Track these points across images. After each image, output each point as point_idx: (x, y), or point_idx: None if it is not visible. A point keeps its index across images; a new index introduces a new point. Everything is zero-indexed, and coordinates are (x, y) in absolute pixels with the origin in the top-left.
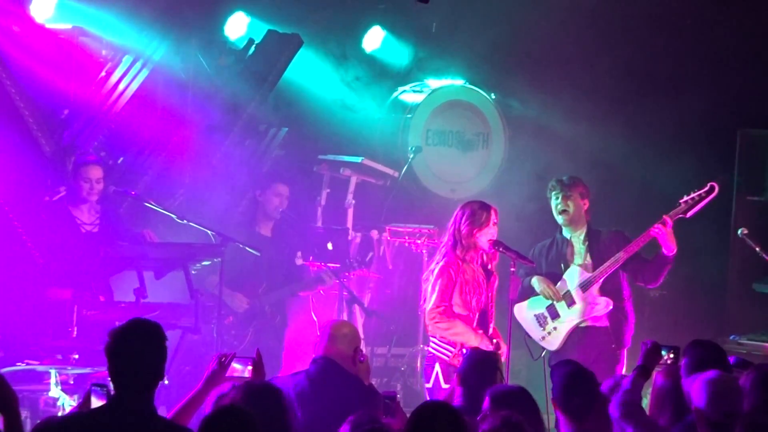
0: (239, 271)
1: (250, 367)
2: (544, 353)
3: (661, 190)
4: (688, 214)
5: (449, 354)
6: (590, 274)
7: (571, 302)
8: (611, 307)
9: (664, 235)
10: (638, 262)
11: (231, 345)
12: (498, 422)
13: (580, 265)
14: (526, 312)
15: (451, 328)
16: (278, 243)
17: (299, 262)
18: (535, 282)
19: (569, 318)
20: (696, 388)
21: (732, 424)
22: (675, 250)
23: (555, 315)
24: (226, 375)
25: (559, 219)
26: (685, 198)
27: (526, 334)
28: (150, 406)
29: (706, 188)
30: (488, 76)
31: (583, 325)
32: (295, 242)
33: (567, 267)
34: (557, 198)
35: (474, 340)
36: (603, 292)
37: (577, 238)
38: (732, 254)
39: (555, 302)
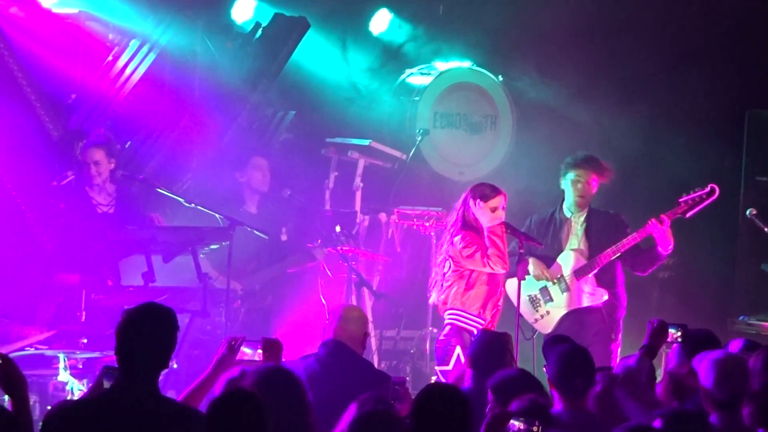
0: (226, 252)
1: (260, 351)
2: (535, 334)
3: (670, 171)
4: (688, 215)
5: (479, 326)
6: (585, 262)
7: (565, 288)
8: (606, 298)
9: (662, 234)
10: (632, 252)
11: (223, 327)
12: (526, 406)
13: (574, 250)
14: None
15: (500, 250)
16: (264, 220)
17: (284, 238)
18: (531, 265)
19: (563, 303)
20: (703, 368)
21: (739, 404)
22: (671, 248)
23: (548, 298)
24: (236, 359)
25: (572, 197)
26: (685, 197)
27: (518, 315)
28: (157, 389)
29: (707, 190)
30: (495, 58)
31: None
32: (280, 218)
33: (561, 250)
34: (578, 177)
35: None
36: (599, 281)
37: (577, 219)
38: (740, 235)
39: (549, 285)
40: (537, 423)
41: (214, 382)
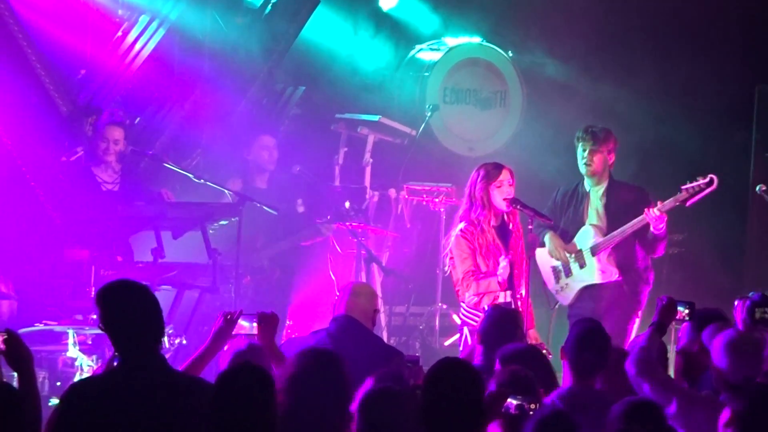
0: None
1: (255, 324)
2: (557, 305)
3: (679, 147)
4: (687, 203)
5: (477, 320)
6: (601, 239)
7: (582, 263)
8: (616, 277)
9: (656, 222)
10: (636, 236)
11: (233, 303)
12: (506, 378)
13: (593, 225)
14: (545, 261)
15: (479, 283)
16: (274, 193)
17: (300, 209)
18: (547, 239)
19: (580, 278)
20: (716, 349)
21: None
22: (663, 225)
23: (568, 272)
24: (234, 332)
25: (582, 170)
26: (687, 186)
27: (544, 283)
28: (163, 361)
29: (707, 180)
30: (505, 33)
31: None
32: (292, 191)
33: (582, 223)
34: (584, 149)
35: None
36: (618, 257)
37: (596, 193)
38: (750, 211)
39: (570, 258)
40: (534, 402)
41: (212, 356)
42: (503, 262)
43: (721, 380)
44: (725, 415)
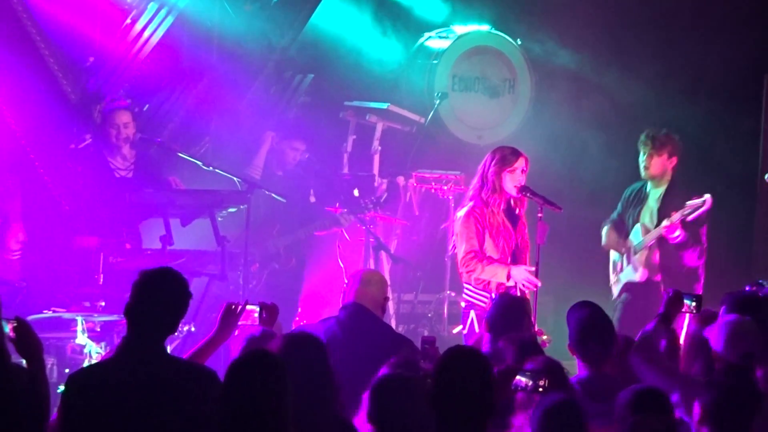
0: (254, 215)
1: (256, 314)
2: (611, 299)
3: (688, 135)
4: (689, 219)
5: (484, 301)
6: (644, 238)
7: (629, 260)
8: (655, 277)
9: (667, 232)
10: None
11: (242, 290)
12: (541, 365)
13: (643, 225)
14: (612, 252)
15: (485, 269)
16: (291, 183)
17: (312, 199)
18: (604, 233)
19: (626, 274)
20: (714, 332)
21: (751, 365)
22: (680, 239)
23: (621, 268)
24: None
25: (642, 173)
26: (690, 202)
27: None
28: (164, 349)
29: (702, 199)
30: (514, 21)
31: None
32: (309, 182)
33: (636, 222)
34: (644, 154)
35: (508, 272)
36: (660, 258)
37: (654, 194)
38: (759, 199)
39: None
40: (544, 379)
41: (216, 345)
42: (524, 275)
43: (721, 362)
44: (696, 411)
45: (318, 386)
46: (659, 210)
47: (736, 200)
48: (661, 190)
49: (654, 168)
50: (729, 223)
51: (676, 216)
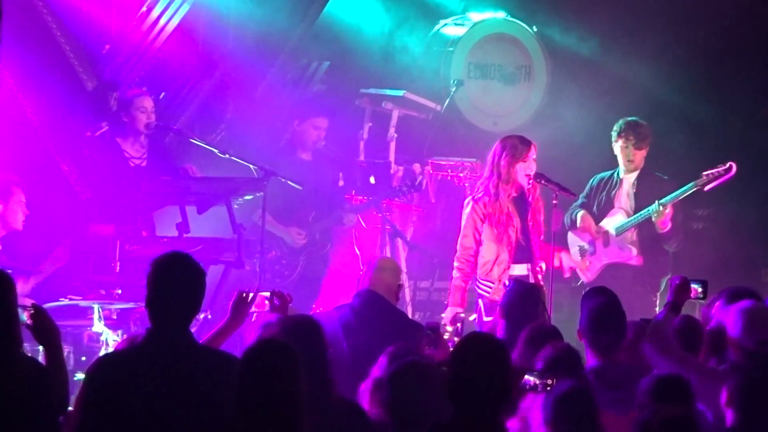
0: (288, 202)
1: (267, 302)
2: (579, 282)
3: (704, 122)
4: (706, 188)
5: (489, 290)
6: (626, 220)
7: (606, 243)
8: (635, 257)
9: (663, 218)
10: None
11: (282, 276)
12: (558, 352)
13: (622, 209)
14: (574, 240)
15: (452, 280)
16: (319, 167)
17: (341, 183)
18: (579, 218)
19: (602, 257)
20: (730, 318)
21: (767, 352)
22: (668, 230)
23: (593, 251)
24: (250, 310)
25: (625, 166)
26: (707, 171)
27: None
28: (191, 336)
29: (726, 166)
30: (530, 8)
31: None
32: (336, 166)
33: (612, 207)
34: (627, 146)
35: (447, 305)
36: (639, 240)
37: (628, 179)
38: None
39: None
40: (551, 378)
41: (228, 334)
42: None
43: (737, 348)
44: (724, 394)
45: (319, 368)
46: (636, 194)
47: (751, 187)
48: (635, 175)
49: (638, 161)
50: (744, 210)
51: (670, 198)
